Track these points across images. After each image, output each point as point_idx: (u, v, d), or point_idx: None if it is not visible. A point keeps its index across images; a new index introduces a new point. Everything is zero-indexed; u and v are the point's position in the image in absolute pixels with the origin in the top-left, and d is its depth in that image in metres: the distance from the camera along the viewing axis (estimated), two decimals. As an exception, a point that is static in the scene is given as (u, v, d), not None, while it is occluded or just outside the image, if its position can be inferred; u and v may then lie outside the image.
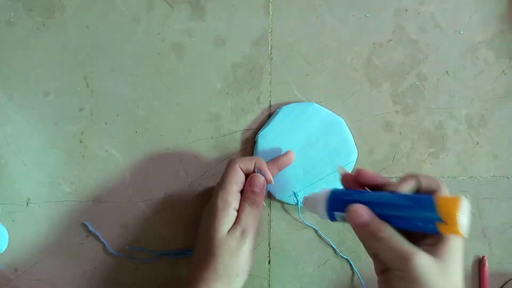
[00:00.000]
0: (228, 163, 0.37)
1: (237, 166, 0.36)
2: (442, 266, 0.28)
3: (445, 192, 0.30)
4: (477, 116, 0.47)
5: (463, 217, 0.27)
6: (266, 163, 0.38)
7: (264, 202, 0.40)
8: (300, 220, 0.44)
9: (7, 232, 0.40)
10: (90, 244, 0.41)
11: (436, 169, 0.46)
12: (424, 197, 0.29)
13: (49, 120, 0.41)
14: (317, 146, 0.43)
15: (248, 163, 0.37)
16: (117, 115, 0.42)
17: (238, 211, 0.35)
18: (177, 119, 0.43)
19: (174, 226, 0.43)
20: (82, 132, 0.42)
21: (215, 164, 0.43)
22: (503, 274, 0.47)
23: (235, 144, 0.44)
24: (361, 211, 0.30)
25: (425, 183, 0.31)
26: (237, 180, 0.36)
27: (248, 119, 0.44)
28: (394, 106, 0.46)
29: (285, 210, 0.44)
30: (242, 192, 0.37)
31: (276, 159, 0.40)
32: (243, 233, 0.34)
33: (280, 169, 0.39)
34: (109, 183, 0.42)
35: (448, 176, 0.46)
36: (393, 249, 0.29)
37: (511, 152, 0.47)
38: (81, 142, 0.42)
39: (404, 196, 0.30)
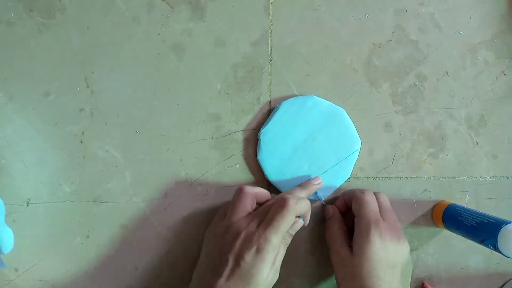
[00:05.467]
0: (287, 207, 0.36)
1: (294, 215, 0.36)
2: (354, 259, 0.38)
3: (364, 212, 0.40)
4: (477, 116, 0.47)
5: None
6: (298, 188, 0.41)
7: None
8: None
9: (12, 233, 0.40)
10: (90, 244, 0.41)
11: (436, 169, 0.46)
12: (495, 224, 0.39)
13: (50, 121, 0.41)
14: (320, 138, 0.43)
15: (303, 211, 0.37)
16: (118, 116, 0.42)
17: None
18: (177, 119, 0.43)
19: (174, 227, 0.43)
20: (82, 133, 0.42)
21: (215, 165, 0.43)
22: (503, 274, 0.47)
23: (235, 144, 0.44)
24: (329, 209, 0.44)
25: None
26: (288, 228, 0.36)
27: (248, 119, 0.44)
28: (394, 106, 0.46)
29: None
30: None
31: (309, 188, 0.41)
32: (275, 273, 0.35)
33: (309, 195, 0.42)
34: (109, 183, 0.42)
35: (448, 176, 0.46)
36: (328, 240, 0.42)
37: (511, 152, 0.47)
38: (81, 142, 0.42)
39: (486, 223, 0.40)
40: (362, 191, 0.42)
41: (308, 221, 0.39)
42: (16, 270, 0.41)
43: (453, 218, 0.43)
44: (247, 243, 0.34)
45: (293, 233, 0.37)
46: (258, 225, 0.35)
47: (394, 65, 0.46)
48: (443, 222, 0.44)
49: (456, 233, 0.43)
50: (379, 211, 0.40)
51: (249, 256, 0.34)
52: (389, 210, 0.41)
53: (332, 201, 0.45)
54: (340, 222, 0.42)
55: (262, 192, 0.40)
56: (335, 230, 0.41)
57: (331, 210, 0.43)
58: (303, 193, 0.40)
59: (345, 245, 0.40)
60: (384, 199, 0.43)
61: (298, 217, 0.37)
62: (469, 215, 0.41)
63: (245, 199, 0.38)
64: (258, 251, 0.34)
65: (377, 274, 0.36)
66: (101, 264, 0.42)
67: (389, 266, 0.37)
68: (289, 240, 0.37)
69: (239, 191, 0.39)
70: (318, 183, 0.42)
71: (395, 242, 0.39)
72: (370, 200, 0.41)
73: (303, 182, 0.42)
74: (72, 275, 0.41)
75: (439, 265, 0.46)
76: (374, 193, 0.42)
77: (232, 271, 0.34)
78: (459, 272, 0.47)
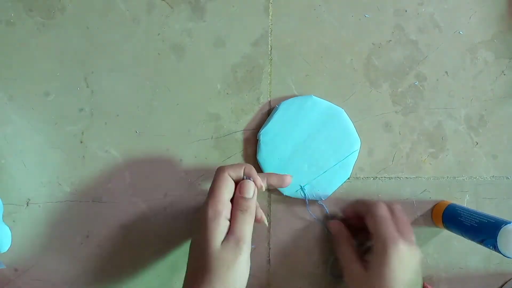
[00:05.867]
0: (217, 171, 0.35)
1: (226, 174, 0.35)
2: (367, 275, 0.37)
3: (380, 231, 0.39)
4: (476, 116, 0.47)
5: None
6: (259, 174, 0.37)
7: (266, 219, 0.40)
8: (301, 218, 0.44)
9: (10, 231, 0.40)
10: (90, 244, 0.41)
11: (436, 169, 0.46)
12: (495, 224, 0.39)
13: (49, 121, 0.41)
14: (319, 138, 0.43)
15: (237, 170, 0.35)
16: (117, 115, 0.42)
17: (230, 220, 0.34)
18: (177, 119, 0.43)
19: (174, 226, 0.43)
20: (82, 132, 0.42)
21: (215, 164, 0.43)
22: (503, 274, 0.47)
23: (235, 144, 0.44)
24: (336, 225, 0.43)
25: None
26: (227, 188, 0.34)
27: (248, 119, 0.44)
28: (394, 106, 0.46)
29: (285, 210, 0.44)
30: (232, 201, 0.35)
31: (270, 174, 0.38)
32: (237, 243, 0.32)
33: (271, 183, 0.38)
34: (109, 183, 0.42)
35: (447, 177, 0.46)
36: (340, 258, 0.42)
37: (510, 152, 0.47)
38: (81, 142, 0.42)
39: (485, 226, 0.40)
40: (376, 205, 0.40)
41: (260, 182, 0.36)
42: (16, 270, 0.41)
43: (453, 218, 0.43)
44: (197, 217, 0.36)
45: (247, 196, 0.34)
46: None
47: (394, 65, 0.46)
48: (442, 222, 0.44)
49: (455, 233, 0.43)
50: (396, 226, 0.39)
51: (197, 229, 0.34)
52: (406, 224, 0.40)
53: (333, 206, 0.45)
54: (348, 239, 0.42)
55: (235, 166, 0.36)
56: (344, 248, 0.41)
57: (337, 226, 0.43)
58: (265, 175, 0.38)
59: (357, 261, 0.39)
60: (399, 212, 0.41)
61: (243, 179, 0.35)
62: (469, 215, 0.41)
63: (219, 179, 0.36)
64: (201, 220, 0.33)
65: None
66: (101, 264, 0.42)
67: (407, 285, 0.36)
68: (246, 205, 0.34)
69: (215, 173, 0.36)
70: (284, 179, 0.38)
71: (413, 261, 0.37)
72: (386, 216, 0.39)
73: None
74: (72, 275, 0.41)
75: (439, 265, 0.46)
76: (388, 205, 0.41)
77: (189, 252, 0.35)
78: (459, 272, 0.47)
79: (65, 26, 0.42)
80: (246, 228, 0.33)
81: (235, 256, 0.32)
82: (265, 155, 0.43)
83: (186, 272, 0.35)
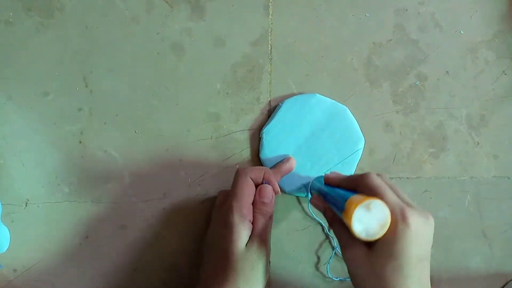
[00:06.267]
0: (239, 174, 0.37)
1: (248, 177, 0.36)
2: (372, 256, 0.30)
3: (386, 199, 0.31)
4: (477, 116, 0.47)
5: (363, 216, 0.28)
6: (271, 168, 0.39)
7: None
8: (301, 218, 0.44)
9: (8, 231, 0.40)
10: (89, 245, 0.41)
11: (437, 169, 0.46)
12: (345, 193, 0.32)
13: (48, 120, 0.41)
14: (322, 137, 0.43)
15: (258, 174, 0.37)
16: (116, 115, 0.42)
17: (252, 223, 0.35)
18: (177, 119, 0.43)
19: (174, 227, 0.42)
20: (81, 132, 0.42)
21: (215, 164, 0.43)
22: (504, 274, 0.47)
23: (235, 144, 0.43)
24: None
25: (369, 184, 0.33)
26: (249, 192, 0.36)
27: (248, 119, 0.44)
28: (394, 106, 0.46)
29: (285, 211, 0.44)
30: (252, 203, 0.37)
31: (279, 166, 0.41)
32: (260, 245, 0.34)
33: (282, 176, 0.41)
34: (109, 183, 0.42)
35: (448, 177, 0.46)
36: (337, 238, 0.35)
37: (511, 152, 0.47)
38: (80, 142, 0.42)
39: (338, 192, 0.34)
40: (367, 176, 0.33)
41: (277, 187, 0.37)
42: (15, 270, 0.40)
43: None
44: (218, 219, 0.37)
45: (266, 200, 0.36)
46: None
47: (395, 64, 0.46)
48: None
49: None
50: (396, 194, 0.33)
51: (220, 231, 0.35)
52: (402, 192, 0.33)
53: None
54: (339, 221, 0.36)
55: (256, 170, 0.37)
56: (336, 227, 0.35)
57: (319, 203, 0.37)
58: (274, 174, 0.39)
59: (355, 241, 0.31)
60: (390, 182, 0.35)
61: (262, 183, 0.37)
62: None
63: (243, 183, 0.37)
64: (225, 222, 0.35)
65: (405, 273, 0.29)
66: (100, 264, 0.41)
67: (419, 260, 0.30)
68: (266, 209, 0.36)
69: (237, 175, 0.37)
70: (288, 160, 0.41)
71: (426, 230, 0.31)
72: (383, 184, 0.32)
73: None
74: (71, 275, 0.41)
75: (440, 265, 0.46)
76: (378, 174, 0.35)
77: (209, 253, 0.36)
78: (460, 273, 0.46)
79: (64, 25, 0.42)
80: (267, 230, 0.36)
81: (258, 257, 0.34)
82: (268, 153, 0.42)
83: (203, 270, 0.37)
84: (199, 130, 0.43)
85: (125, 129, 0.42)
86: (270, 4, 0.44)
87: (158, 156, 0.42)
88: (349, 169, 0.43)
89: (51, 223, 0.41)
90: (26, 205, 0.41)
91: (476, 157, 0.47)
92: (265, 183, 0.37)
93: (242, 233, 0.34)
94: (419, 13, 0.46)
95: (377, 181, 0.32)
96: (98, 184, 0.42)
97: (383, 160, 0.45)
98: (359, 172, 0.45)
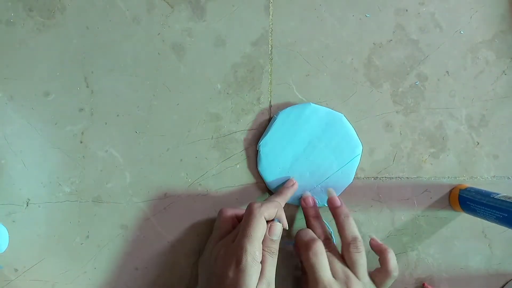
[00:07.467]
0: (254, 214, 0.35)
1: (263, 218, 0.35)
2: None
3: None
4: (477, 116, 0.47)
5: None
6: (273, 195, 0.40)
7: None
8: (300, 226, 0.44)
9: (7, 232, 0.40)
10: (90, 245, 0.41)
11: (437, 170, 0.46)
12: None
13: (49, 120, 0.41)
14: (320, 146, 0.43)
15: (271, 212, 0.36)
16: (117, 115, 0.42)
17: (261, 261, 0.35)
18: (177, 119, 0.43)
19: (174, 227, 0.43)
20: (82, 133, 0.42)
21: (215, 165, 0.43)
22: (504, 274, 0.47)
23: (235, 144, 0.44)
24: (309, 200, 0.43)
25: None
26: (263, 233, 0.35)
27: (249, 119, 0.44)
28: (395, 106, 0.46)
29: (285, 211, 0.44)
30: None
31: (284, 194, 0.41)
32: (268, 286, 0.34)
33: (287, 200, 0.41)
34: (109, 183, 0.42)
35: (448, 177, 0.46)
36: None
37: (511, 152, 0.47)
38: (81, 142, 0.42)
39: None
40: (310, 241, 0.38)
41: (286, 223, 0.37)
42: (16, 270, 0.40)
43: (467, 205, 0.43)
44: (227, 258, 0.35)
45: (275, 238, 0.36)
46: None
47: (395, 65, 0.46)
48: (460, 206, 0.45)
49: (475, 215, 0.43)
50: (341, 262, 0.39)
51: (230, 271, 0.34)
52: (358, 257, 0.39)
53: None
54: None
55: (270, 208, 0.37)
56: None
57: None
58: (278, 198, 0.40)
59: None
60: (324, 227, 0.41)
61: (273, 220, 0.36)
62: (481, 198, 0.42)
63: (223, 222, 0.39)
64: (238, 263, 0.33)
65: None
66: (101, 264, 0.42)
67: None
68: (274, 247, 0.36)
69: (218, 214, 0.40)
70: (293, 185, 0.42)
71: None
72: (321, 253, 0.38)
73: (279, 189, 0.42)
74: (72, 275, 0.41)
75: (440, 265, 0.46)
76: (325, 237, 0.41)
77: (210, 282, 0.35)
78: (460, 273, 0.46)
79: (65, 26, 0.42)
80: (273, 270, 0.35)
81: None
82: (266, 166, 0.42)
83: None
84: (200, 130, 0.43)
85: (126, 129, 0.42)
86: (270, 4, 0.44)
87: (159, 156, 0.42)
88: (348, 176, 0.43)
89: (52, 223, 0.41)
90: (27, 205, 0.41)
91: (476, 157, 0.47)
92: (277, 221, 0.37)
93: (254, 277, 0.33)
94: (419, 13, 0.46)
95: (316, 249, 0.38)
96: (99, 184, 0.42)
97: (383, 160, 0.45)
98: (358, 173, 0.45)
